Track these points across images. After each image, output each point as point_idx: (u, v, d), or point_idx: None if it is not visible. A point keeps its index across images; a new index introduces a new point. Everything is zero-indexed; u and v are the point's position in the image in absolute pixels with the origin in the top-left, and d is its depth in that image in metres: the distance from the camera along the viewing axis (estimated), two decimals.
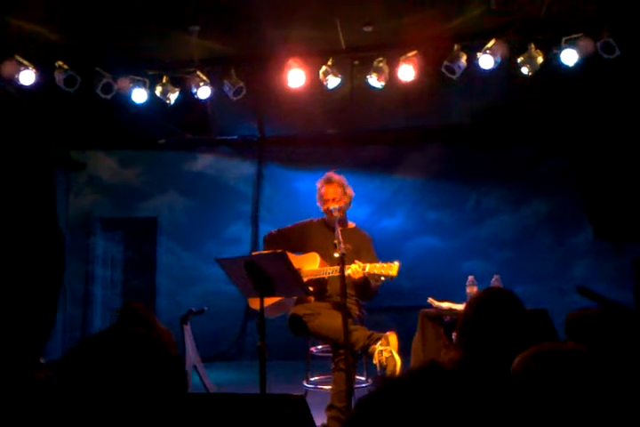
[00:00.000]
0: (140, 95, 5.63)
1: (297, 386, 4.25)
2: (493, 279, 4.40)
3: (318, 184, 4.22)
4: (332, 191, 4.11)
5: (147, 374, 1.06)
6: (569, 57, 5.02)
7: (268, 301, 3.71)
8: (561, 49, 5.03)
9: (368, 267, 3.72)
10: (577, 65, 5.06)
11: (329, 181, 4.16)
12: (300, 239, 4.23)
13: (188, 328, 4.94)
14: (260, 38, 5.32)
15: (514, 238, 7.02)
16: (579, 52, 4.99)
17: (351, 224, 4.28)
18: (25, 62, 5.27)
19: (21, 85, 5.27)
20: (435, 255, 7.00)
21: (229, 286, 3.94)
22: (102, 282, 7.43)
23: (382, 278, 3.76)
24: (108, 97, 5.50)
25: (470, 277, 4.43)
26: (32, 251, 1.16)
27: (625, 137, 6.47)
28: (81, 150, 7.44)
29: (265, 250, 4.22)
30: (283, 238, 4.25)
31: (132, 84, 5.61)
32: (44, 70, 5.36)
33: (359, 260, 3.83)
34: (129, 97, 5.63)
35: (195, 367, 4.93)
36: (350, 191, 4.16)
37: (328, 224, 4.22)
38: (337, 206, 4.01)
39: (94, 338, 1.10)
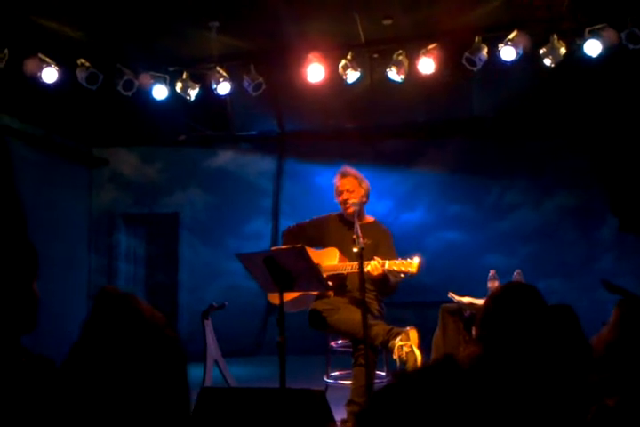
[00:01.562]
0: (160, 91, 5.67)
1: (317, 381, 4.25)
2: (515, 274, 4.36)
3: (334, 179, 4.23)
4: (346, 182, 4.11)
5: (143, 356, 1.06)
6: (592, 48, 4.92)
7: (288, 296, 3.72)
8: (584, 40, 4.94)
9: (387, 264, 3.69)
10: (600, 56, 4.96)
11: (344, 174, 4.17)
12: (318, 234, 4.23)
13: (209, 323, 4.97)
14: (279, 33, 5.31)
15: (537, 232, 6.93)
16: (602, 43, 4.90)
17: (370, 218, 4.26)
18: (47, 60, 5.33)
19: (44, 83, 5.33)
20: (456, 250, 6.94)
21: (250, 281, 3.95)
22: (125, 277, 7.51)
23: (402, 275, 3.74)
24: (129, 94, 5.54)
25: (492, 272, 4.39)
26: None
27: None
28: (103, 147, 7.52)
29: (284, 245, 4.23)
30: (301, 233, 4.26)
31: (152, 81, 5.64)
32: (66, 68, 5.42)
33: (378, 255, 3.81)
34: (150, 93, 5.67)
35: (216, 362, 4.96)
36: (366, 184, 4.15)
37: (345, 218, 4.21)
38: (354, 201, 4.00)
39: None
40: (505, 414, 0.95)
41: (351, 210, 3.97)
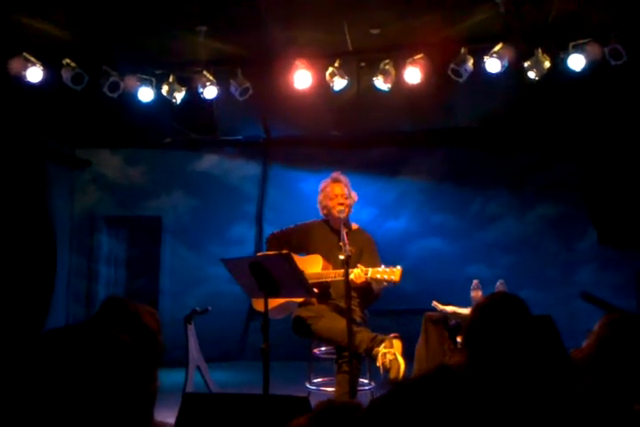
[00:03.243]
0: (146, 94, 5.65)
1: (299, 388, 4.25)
2: (498, 284, 4.40)
3: (323, 184, 4.24)
4: (339, 189, 4.13)
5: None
6: (576, 62, 5.01)
7: (272, 303, 3.71)
8: (568, 54, 5.03)
9: (370, 272, 3.72)
10: (584, 70, 5.04)
11: (336, 180, 4.19)
12: (302, 240, 4.24)
13: (191, 328, 4.94)
14: (267, 39, 5.32)
15: (519, 243, 7.00)
16: (586, 58, 4.98)
17: (354, 226, 4.28)
18: (32, 59, 5.28)
19: (29, 82, 5.28)
20: (439, 258, 6.99)
21: (233, 286, 3.94)
22: (106, 280, 7.43)
23: (385, 284, 3.77)
24: (115, 95, 5.51)
25: (475, 281, 4.43)
26: None
27: (631, 143, 6.45)
28: (87, 148, 7.45)
29: (268, 251, 4.23)
30: (285, 239, 4.26)
31: (138, 83, 5.61)
32: (51, 68, 5.37)
33: (362, 262, 3.83)
34: (135, 96, 5.64)
35: (198, 367, 4.93)
36: (354, 195, 4.19)
37: (330, 225, 4.22)
38: (342, 208, 4.03)
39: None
40: (495, 422, 0.96)
41: (345, 214, 4.00)
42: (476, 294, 4.33)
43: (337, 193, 4.13)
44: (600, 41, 4.92)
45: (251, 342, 6.93)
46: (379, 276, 3.70)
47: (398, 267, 3.71)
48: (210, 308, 5.14)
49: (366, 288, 3.85)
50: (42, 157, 6.63)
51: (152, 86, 5.66)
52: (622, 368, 1.93)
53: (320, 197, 4.24)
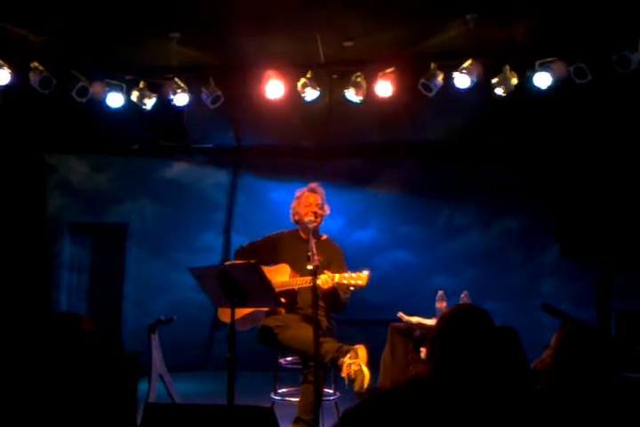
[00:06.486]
0: (115, 100, 5.59)
1: (264, 398, 4.22)
2: (462, 295, 4.45)
3: (299, 192, 4.26)
4: (313, 199, 4.16)
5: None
6: (542, 80, 5.14)
7: (239, 313, 3.70)
8: (535, 71, 5.16)
9: (337, 277, 3.73)
10: (550, 88, 5.18)
11: (313, 191, 4.22)
12: (271, 252, 4.24)
13: (155, 337, 4.87)
14: (240, 48, 5.33)
15: (484, 255, 7.11)
16: (552, 76, 5.13)
17: (324, 236, 4.31)
18: (0, 62, 5.19)
19: None
20: (405, 269, 7.04)
21: (198, 294, 3.91)
22: (68, 288, 7.28)
23: (352, 288, 3.79)
24: (83, 100, 5.44)
25: (440, 292, 4.47)
26: None
27: (594, 158, 6.64)
28: (53, 153, 7.32)
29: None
30: (254, 251, 4.25)
31: (107, 89, 5.56)
32: (19, 71, 5.28)
33: (329, 271, 3.84)
34: (104, 101, 5.58)
35: (161, 377, 4.86)
36: (327, 208, 4.23)
37: (299, 235, 4.24)
38: (312, 218, 4.05)
39: None
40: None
41: (315, 224, 4.02)
42: (441, 305, 4.38)
43: (311, 202, 4.16)
44: (566, 60, 5.07)
45: (215, 351, 6.86)
46: (345, 281, 3.71)
47: (365, 272, 3.73)
48: (175, 317, 5.07)
49: (333, 294, 3.87)
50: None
51: (122, 92, 5.61)
52: (579, 378, 1.98)
53: (294, 203, 4.27)
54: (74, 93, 5.38)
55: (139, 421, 2.65)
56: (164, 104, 5.67)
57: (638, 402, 1.94)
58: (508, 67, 5.15)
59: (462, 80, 5.17)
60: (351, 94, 5.43)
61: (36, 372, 1.04)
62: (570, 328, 2.17)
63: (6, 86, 5.26)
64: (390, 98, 5.43)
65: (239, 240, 4.53)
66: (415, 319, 4.33)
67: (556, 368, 2.06)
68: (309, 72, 5.39)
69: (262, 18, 4.90)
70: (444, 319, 2.09)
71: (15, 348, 1.10)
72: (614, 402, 1.94)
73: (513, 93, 5.23)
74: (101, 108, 5.67)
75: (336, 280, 3.73)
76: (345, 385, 3.67)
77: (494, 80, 5.21)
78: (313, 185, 4.27)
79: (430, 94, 5.25)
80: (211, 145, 7.42)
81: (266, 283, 3.44)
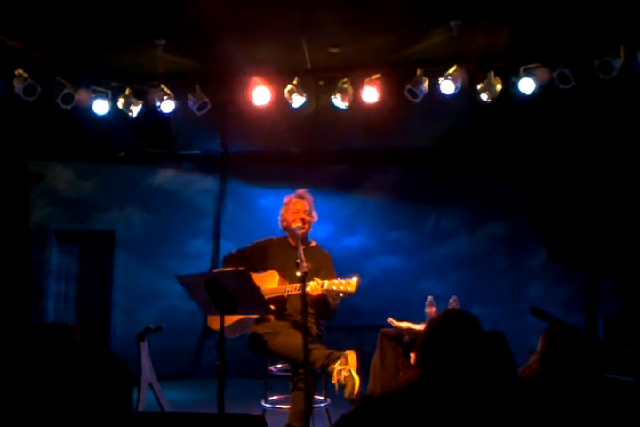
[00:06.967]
0: (101, 106, 5.57)
1: (254, 405, 4.21)
2: (451, 300, 4.47)
3: (287, 198, 4.27)
4: (301, 205, 4.17)
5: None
6: (526, 85, 5.20)
7: (228, 320, 3.68)
8: (519, 77, 5.21)
9: (327, 283, 3.74)
10: (534, 93, 5.24)
11: (301, 197, 4.23)
12: (260, 259, 4.24)
13: (144, 345, 4.84)
14: (226, 55, 5.33)
15: (471, 260, 7.14)
16: (536, 81, 5.18)
17: (313, 243, 4.31)
18: None
19: None
20: (395, 275, 7.06)
21: (187, 302, 3.89)
22: (55, 297, 7.22)
23: (341, 295, 3.79)
24: (69, 107, 5.41)
25: (429, 298, 4.49)
26: None
27: (579, 162, 6.71)
28: (40, 161, 7.27)
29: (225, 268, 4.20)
30: (243, 258, 4.25)
31: (93, 96, 5.54)
32: (3, 78, 5.25)
33: (318, 278, 3.85)
34: (90, 108, 5.56)
35: (150, 385, 4.83)
36: (315, 214, 4.24)
37: (288, 242, 4.24)
38: (300, 224, 4.05)
39: None
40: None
41: (303, 230, 4.02)
42: (431, 310, 4.39)
43: (299, 208, 4.17)
44: (549, 66, 5.13)
45: (205, 359, 6.82)
46: (334, 287, 3.72)
47: (354, 278, 3.74)
48: (164, 325, 5.05)
49: (323, 301, 3.87)
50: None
51: (108, 99, 5.59)
52: (565, 380, 2.00)
53: (282, 209, 4.27)
54: (59, 100, 5.35)
55: None
56: (151, 111, 5.65)
57: (625, 404, 1.96)
58: (492, 73, 5.20)
59: (447, 86, 5.20)
60: (338, 100, 5.45)
61: (31, 383, 1.04)
62: (555, 331, 2.19)
63: None
64: (376, 104, 5.45)
65: (228, 247, 4.52)
66: (405, 325, 4.34)
67: (542, 372, 2.08)
68: (296, 78, 5.41)
69: (248, 25, 4.91)
70: (433, 325, 2.11)
71: (7, 359, 1.09)
72: (601, 404, 1.96)
73: (498, 99, 5.27)
74: (87, 116, 5.64)
75: (325, 287, 3.73)
76: (335, 391, 3.67)
77: (479, 86, 5.26)
78: (301, 191, 4.28)
79: (416, 100, 5.28)
80: (198, 152, 7.41)
81: (255, 290, 3.44)
